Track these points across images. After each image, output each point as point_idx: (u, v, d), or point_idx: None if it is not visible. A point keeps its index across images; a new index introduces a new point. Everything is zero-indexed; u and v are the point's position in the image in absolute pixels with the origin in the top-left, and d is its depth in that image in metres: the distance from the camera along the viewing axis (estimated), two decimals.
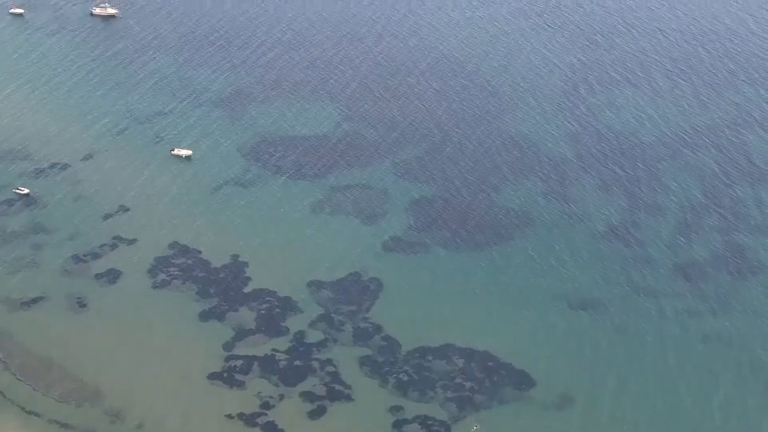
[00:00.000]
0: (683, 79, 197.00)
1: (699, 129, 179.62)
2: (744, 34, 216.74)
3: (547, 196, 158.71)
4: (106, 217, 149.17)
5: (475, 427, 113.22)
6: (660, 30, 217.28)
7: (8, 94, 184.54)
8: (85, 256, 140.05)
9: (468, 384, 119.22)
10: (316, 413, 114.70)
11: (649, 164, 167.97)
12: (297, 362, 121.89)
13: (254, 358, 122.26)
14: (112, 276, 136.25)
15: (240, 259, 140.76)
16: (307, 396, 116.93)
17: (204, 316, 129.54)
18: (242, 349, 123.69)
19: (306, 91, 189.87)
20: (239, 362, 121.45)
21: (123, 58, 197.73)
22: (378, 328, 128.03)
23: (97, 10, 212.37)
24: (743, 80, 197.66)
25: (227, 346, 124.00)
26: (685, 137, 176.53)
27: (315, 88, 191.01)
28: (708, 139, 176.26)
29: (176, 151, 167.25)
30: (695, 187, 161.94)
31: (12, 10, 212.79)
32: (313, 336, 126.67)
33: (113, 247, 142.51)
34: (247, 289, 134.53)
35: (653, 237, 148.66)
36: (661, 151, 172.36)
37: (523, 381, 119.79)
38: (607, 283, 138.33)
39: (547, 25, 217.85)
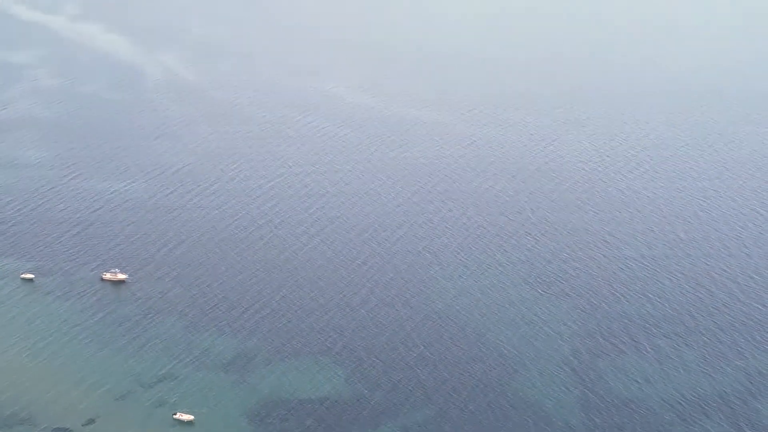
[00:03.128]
0: (677, 345, 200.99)
1: (701, 395, 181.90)
2: (731, 300, 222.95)
3: None
4: None
5: None
6: (647, 295, 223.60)
7: (10, 356, 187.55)
8: None
9: None
10: None
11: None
12: None
13: None
14: None
15: None
16: None
17: None
18: None
19: (306, 352, 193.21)
20: None
21: (128, 322, 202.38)
22: None
23: (108, 275, 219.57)
24: (736, 346, 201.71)
25: None
26: (686, 404, 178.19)
27: (315, 349, 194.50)
28: (710, 407, 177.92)
29: (178, 416, 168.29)
30: None
31: (23, 276, 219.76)
32: None
33: None
34: None
35: None
36: (666, 418, 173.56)
37: None
38: None
39: (541, 292, 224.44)
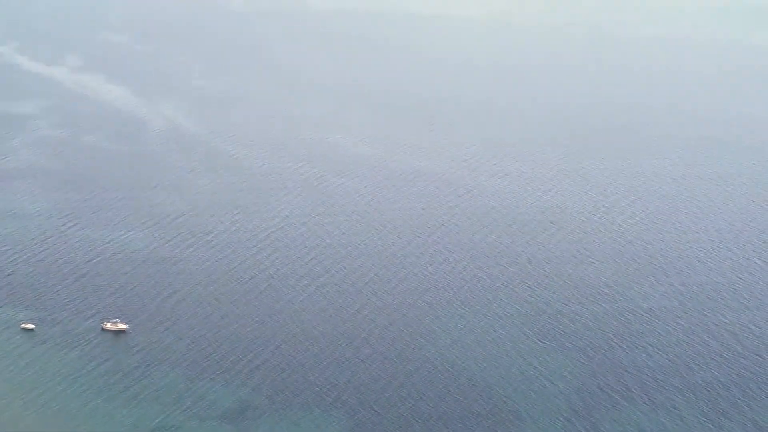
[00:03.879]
0: (674, 397, 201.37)
1: None
2: (729, 352, 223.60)
3: None
4: None
5: None
6: (643, 346, 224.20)
7: (10, 407, 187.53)
8: None
9: None
10: None
11: None
12: None
13: None
14: None
15: None
16: None
17: None
18: None
19: (300, 402, 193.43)
20: None
21: (127, 372, 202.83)
22: None
23: (108, 325, 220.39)
24: (734, 398, 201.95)
25: None
26: None
27: (309, 399, 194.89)
28: None
29: None
30: None
31: (23, 326, 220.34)
32: None
33: None
34: None
35: None
36: None
37: None
38: None
39: (537, 342, 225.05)
